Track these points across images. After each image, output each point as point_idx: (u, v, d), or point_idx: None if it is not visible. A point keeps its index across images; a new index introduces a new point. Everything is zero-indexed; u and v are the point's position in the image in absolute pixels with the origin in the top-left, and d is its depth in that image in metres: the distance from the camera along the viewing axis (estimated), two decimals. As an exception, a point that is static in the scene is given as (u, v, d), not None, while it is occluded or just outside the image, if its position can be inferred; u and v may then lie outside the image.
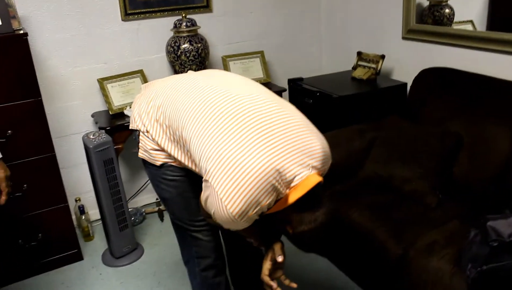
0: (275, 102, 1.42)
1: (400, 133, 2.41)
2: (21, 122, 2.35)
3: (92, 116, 2.90)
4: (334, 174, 2.33)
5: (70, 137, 2.89)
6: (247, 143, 1.28)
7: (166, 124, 1.52)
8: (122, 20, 2.87)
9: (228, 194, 1.26)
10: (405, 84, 2.82)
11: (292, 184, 1.30)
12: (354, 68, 3.08)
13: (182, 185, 1.64)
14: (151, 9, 2.92)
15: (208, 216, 1.40)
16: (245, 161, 1.25)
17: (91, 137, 2.47)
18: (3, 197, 1.83)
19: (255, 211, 1.28)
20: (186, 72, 2.82)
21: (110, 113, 2.78)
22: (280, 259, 1.55)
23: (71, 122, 2.89)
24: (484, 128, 2.19)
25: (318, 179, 1.34)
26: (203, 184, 1.35)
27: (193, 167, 1.50)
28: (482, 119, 2.21)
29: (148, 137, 1.60)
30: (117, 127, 2.68)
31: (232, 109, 1.35)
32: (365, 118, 2.66)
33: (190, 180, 1.62)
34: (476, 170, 2.16)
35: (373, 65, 2.94)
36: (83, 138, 2.51)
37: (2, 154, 1.85)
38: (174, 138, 1.51)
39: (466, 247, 1.71)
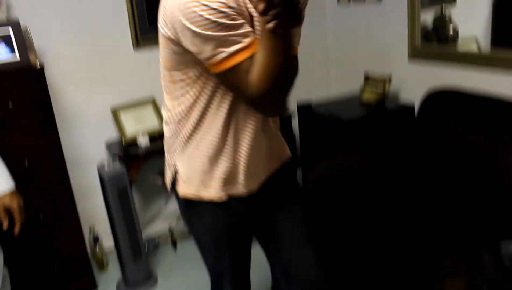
0: None
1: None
2: (38, 151, 2.39)
3: (106, 144, 2.95)
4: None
5: (84, 165, 2.91)
6: None
7: None
8: (134, 50, 2.94)
9: None
10: (413, 105, 2.84)
11: None
12: (362, 91, 3.11)
13: None
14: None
15: None
16: None
17: (106, 166, 2.51)
18: (17, 227, 1.85)
19: None
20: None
21: (123, 144, 2.82)
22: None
23: (85, 150, 2.92)
24: (494, 150, 2.19)
25: None
26: None
27: None
28: (492, 140, 2.22)
29: None
30: (130, 157, 2.72)
31: None
32: (374, 141, 2.70)
33: None
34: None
35: (381, 89, 2.96)
36: (97, 167, 2.55)
37: (18, 183, 1.88)
38: None
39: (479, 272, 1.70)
